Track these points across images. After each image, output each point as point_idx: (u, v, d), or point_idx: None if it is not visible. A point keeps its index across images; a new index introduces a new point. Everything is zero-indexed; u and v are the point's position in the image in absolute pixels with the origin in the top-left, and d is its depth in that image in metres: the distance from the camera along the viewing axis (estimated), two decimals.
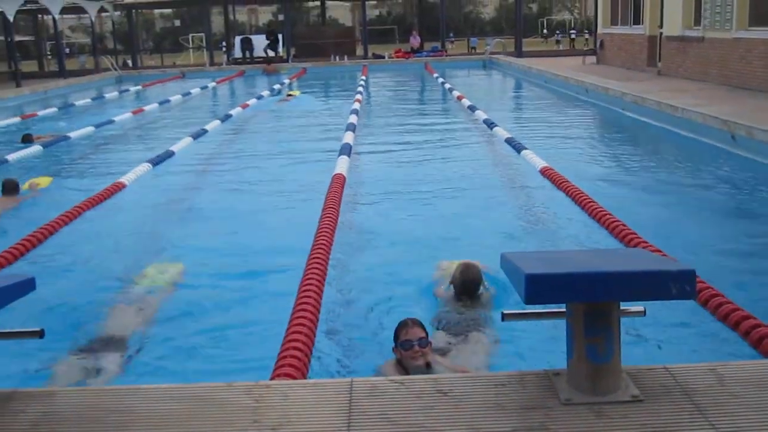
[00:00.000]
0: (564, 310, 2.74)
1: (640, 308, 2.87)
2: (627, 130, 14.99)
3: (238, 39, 39.39)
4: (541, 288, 2.57)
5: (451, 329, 5.00)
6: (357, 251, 6.98)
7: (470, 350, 4.77)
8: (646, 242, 6.24)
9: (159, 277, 6.44)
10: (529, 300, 2.57)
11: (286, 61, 36.79)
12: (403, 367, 4.12)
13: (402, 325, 4.24)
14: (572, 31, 52.58)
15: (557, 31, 56.88)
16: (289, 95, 22.39)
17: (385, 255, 6.72)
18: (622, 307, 2.72)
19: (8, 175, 10.22)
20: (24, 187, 10.11)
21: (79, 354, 4.88)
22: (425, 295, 5.68)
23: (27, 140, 13.94)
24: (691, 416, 2.55)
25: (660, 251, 5.78)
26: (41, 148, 13.65)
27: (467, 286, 5.33)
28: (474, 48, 45.16)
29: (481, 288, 5.40)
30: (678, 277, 2.57)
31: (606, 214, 7.31)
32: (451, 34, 52.24)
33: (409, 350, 4.13)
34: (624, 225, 6.86)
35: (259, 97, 22.22)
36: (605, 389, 2.67)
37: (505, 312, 2.89)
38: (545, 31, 57.60)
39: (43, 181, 10.78)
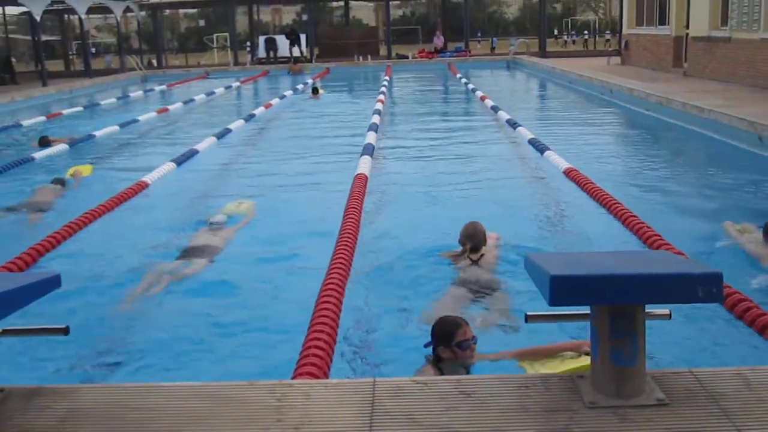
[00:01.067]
0: (588, 312, 2.71)
1: (666, 311, 2.82)
2: (652, 131, 14.85)
3: (262, 39, 39.54)
4: (565, 290, 2.54)
5: (461, 287, 5.70)
6: (379, 250, 6.97)
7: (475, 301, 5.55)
8: (670, 244, 6.18)
9: (236, 210, 8.26)
10: (554, 302, 2.54)
11: (310, 61, 36.88)
12: (440, 371, 4.04)
13: (455, 325, 4.17)
14: (585, 32, 52.14)
15: (572, 32, 56.23)
16: (315, 91, 22.47)
17: (407, 254, 6.71)
18: (647, 310, 2.69)
19: (36, 176, 10.31)
20: (68, 174, 10.27)
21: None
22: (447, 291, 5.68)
23: (44, 143, 13.73)
24: (718, 421, 2.51)
25: (682, 254, 5.73)
26: (67, 147, 13.74)
27: (470, 237, 6.09)
28: (494, 48, 45.00)
29: (483, 248, 6.10)
30: (704, 280, 2.53)
31: (630, 216, 7.25)
32: (479, 34, 52.05)
33: (467, 350, 4.12)
34: (648, 227, 6.81)
35: (282, 97, 22.29)
36: (630, 392, 2.64)
37: (529, 314, 2.87)
38: (556, 31, 56.78)
39: (85, 169, 10.94)
